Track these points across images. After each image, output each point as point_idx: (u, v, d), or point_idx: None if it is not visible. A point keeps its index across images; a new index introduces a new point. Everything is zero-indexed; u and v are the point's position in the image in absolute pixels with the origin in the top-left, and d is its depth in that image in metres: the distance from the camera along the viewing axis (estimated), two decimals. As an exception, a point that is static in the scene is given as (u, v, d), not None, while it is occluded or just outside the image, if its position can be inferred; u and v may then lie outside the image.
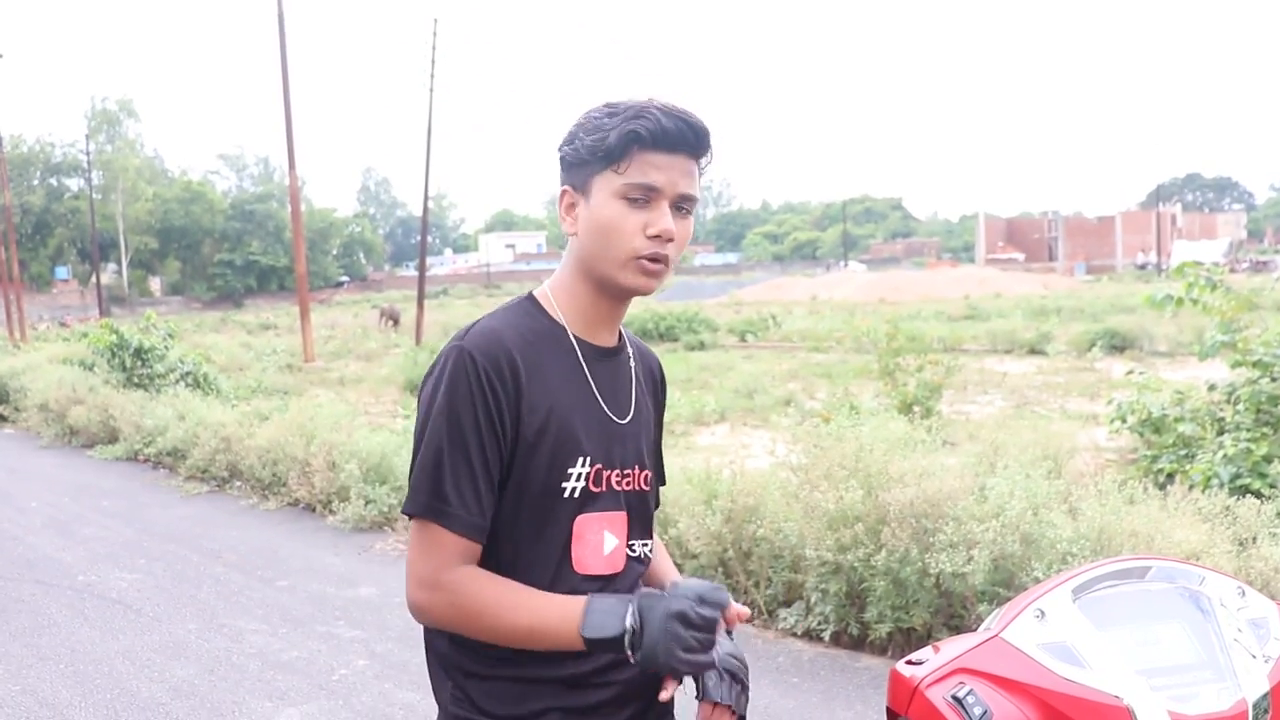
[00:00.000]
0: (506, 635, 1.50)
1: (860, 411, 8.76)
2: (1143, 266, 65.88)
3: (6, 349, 24.51)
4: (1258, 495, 5.62)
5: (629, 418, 1.63)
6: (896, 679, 1.04)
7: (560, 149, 1.59)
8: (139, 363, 13.86)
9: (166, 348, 14.33)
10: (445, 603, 1.49)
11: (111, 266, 76.24)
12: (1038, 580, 4.49)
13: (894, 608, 4.88)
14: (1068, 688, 1.01)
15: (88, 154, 65.68)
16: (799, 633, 5.26)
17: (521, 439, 1.51)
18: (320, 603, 6.07)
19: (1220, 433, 6.87)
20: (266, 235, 79.24)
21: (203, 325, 45.27)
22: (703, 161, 1.57)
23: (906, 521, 4.82)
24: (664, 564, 1.80)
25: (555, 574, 1.53)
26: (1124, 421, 7.79)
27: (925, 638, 4.89)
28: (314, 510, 8.51)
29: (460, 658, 1.57)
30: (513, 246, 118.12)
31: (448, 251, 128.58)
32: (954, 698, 1.00)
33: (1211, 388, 7.47)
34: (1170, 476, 6.50)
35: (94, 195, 64.64)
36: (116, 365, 13.87)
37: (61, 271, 75.50)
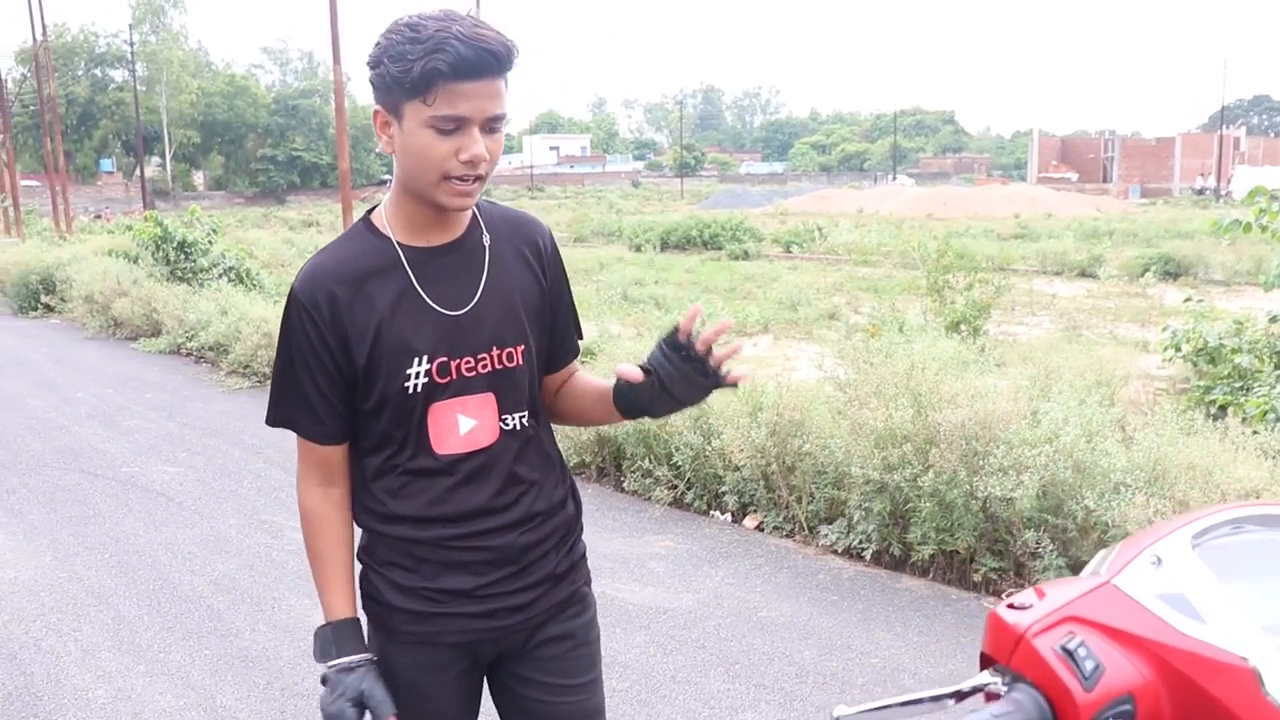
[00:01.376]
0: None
1: (908, 328, 8.62)
2: (1200, 191, 63.89)
3: (53, 240, 24.71)
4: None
5: (468, 307, 1.73)
6: (998, 624, 0.95)
7: (369, 69, 1.63)
8: (183, 256, 13.87)
9: (210, 242, 14.32)
10: (301, 510, 1.82)
11: (155, 160, 76.46)
12: (1088, 509, 4.40)
13: (938, 530, 4.80)
14: (1186, 644, 0.91)
15: (131, 45, 65.41)
16: (839, 550, 5.20)
17: (355, 356, 1.70)
18: (360, 502, 6.08)
19: (1279, 366, 6.67)
20: (310, 131, 78.87)
21: (245, 220, 45.44)
22: (509, 76, 1.64)
23: (956, 443, 4.71)
24: (593, 388, 1.92)
25: (416, 453, 1.73)
26: (1178, 350, 7.57)
27: (968, 561, 4.83)
28: (355, 409, 8.53)
29: (363, 512, 1.82)
30: (556, 148, 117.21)
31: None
32: (1064, 649, 0.90)
33: (1273, 319, 7.23)
34: (1223, 409, 6.31)
35: (138, 87, 64.52)
36: (160, 259, 13.89)
37: (106, 164, 75.73)
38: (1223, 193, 57.81)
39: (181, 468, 6.92)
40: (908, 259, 19.94)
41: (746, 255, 24.92)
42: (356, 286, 1.69)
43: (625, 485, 6.24)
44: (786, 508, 5.57)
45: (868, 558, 5.06)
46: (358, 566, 1.86)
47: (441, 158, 1.60)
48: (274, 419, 1.80)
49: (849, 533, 5.22)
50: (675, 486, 6.06)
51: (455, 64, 1.53)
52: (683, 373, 1.65)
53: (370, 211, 1.78)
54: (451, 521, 1.75)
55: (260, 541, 5.46)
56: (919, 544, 4.86)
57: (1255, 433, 4.82)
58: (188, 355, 11.35)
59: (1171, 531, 0.97)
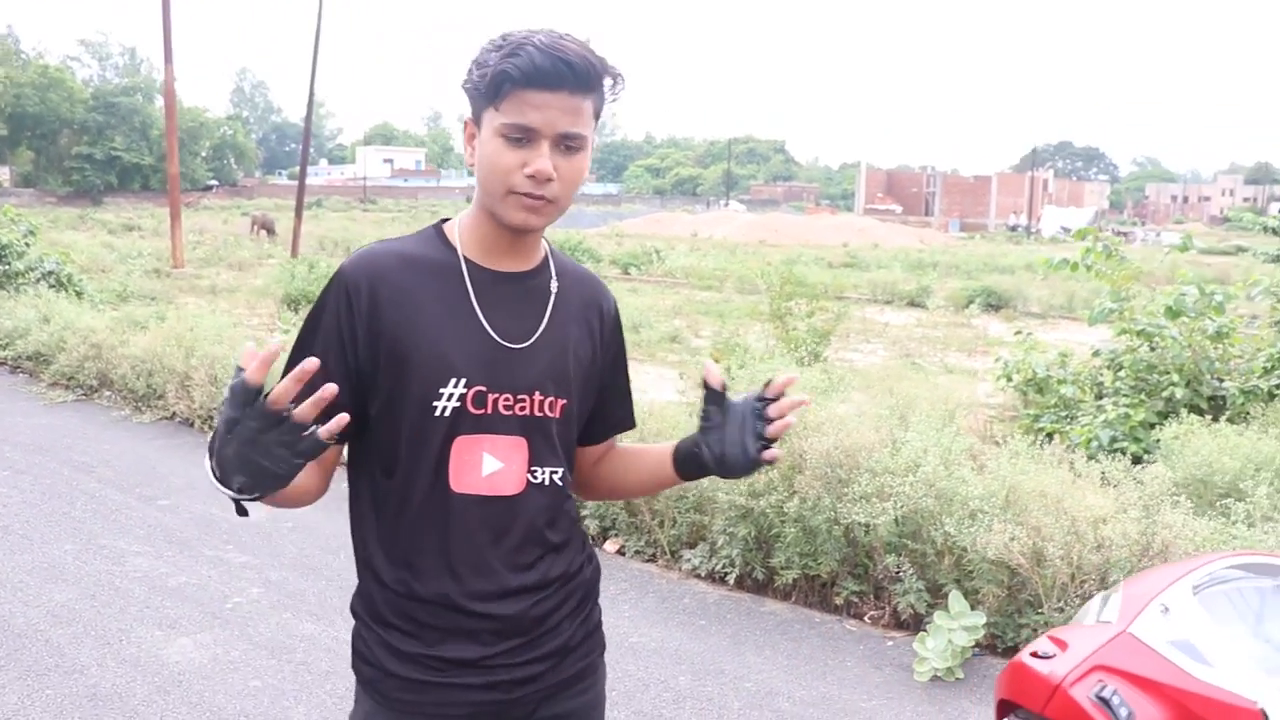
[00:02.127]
0: None
1: (755, 354, 8.80)
2: (1014, 228, 67.94)
3: None
4: (1136, 460, 5.82)
5: (528, 343, 1.63)
6: (1027, 674, 0.98)
7: (464, 80, 1.58)
8: (-5, 259, 12.99)
9: (27, 244, 13.46)
10: None
11: (-44, 152, 71.47)
12: (947, 534, 4.58)
13: (802, 554, 4.91)
14: (1201, 688, 0.96)
15: (-66, 29, 61.06)
16: (703, 574, 5.26)
17: (380, 358, 1.57)
18: (206, 525, 5.81)
19: (1099, 397, 7.08)
20: (131, 131, 74.97)
21: (59, 221, 42.70)
22: (601, 93, 1.57)
23: (821, 470, 4.84)
24: (647, 450, 1.86)
25: (432, 486, 1.59)
26: (1009, 380, 7.98)
27: (829, 585, 4.95)
28: (193, 425, 8.15)
29: (364, 566, 1.68)
30: (390, 161, 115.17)
31: (323, 162, 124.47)
32: (1099, 698, 0.94)
33: (1096, 353, 7.70)
34: (1050, 436, 6.68)
35: (-61, 74, 60.23)
36: (-31, 260, 12.97)
37: (-102, 154, 70.37)
38: (1033, 230, 61.41)
39: (4, 488, 6.44)
40: (746, 284, 20.41)
41: (587, 275, 24.96)
42: (409, 285, 1.59)
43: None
44: (649, 532, 5.60)
45: (731, 582, 5.12)
46: (351, 621, 1.72)
47: (507, 169, 1.53)
48: None
49: (711, 557, 5.28)
50: (537, 510, 6.00)
51: (526, 69, 1.48)
52: (743, 425, 1.65)
53: (444, 221, 1.69)
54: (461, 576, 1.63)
55: (100, 568, 5.14)
56: (783, 568, 4.96)
57: (1092, 459, 5.12)
58: (1, 365, 10.62)
59: (1175, 580, 1.02)
